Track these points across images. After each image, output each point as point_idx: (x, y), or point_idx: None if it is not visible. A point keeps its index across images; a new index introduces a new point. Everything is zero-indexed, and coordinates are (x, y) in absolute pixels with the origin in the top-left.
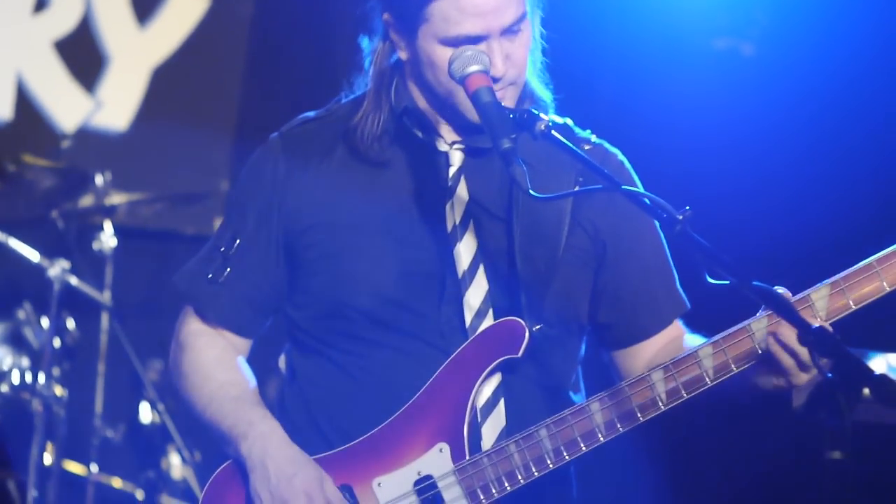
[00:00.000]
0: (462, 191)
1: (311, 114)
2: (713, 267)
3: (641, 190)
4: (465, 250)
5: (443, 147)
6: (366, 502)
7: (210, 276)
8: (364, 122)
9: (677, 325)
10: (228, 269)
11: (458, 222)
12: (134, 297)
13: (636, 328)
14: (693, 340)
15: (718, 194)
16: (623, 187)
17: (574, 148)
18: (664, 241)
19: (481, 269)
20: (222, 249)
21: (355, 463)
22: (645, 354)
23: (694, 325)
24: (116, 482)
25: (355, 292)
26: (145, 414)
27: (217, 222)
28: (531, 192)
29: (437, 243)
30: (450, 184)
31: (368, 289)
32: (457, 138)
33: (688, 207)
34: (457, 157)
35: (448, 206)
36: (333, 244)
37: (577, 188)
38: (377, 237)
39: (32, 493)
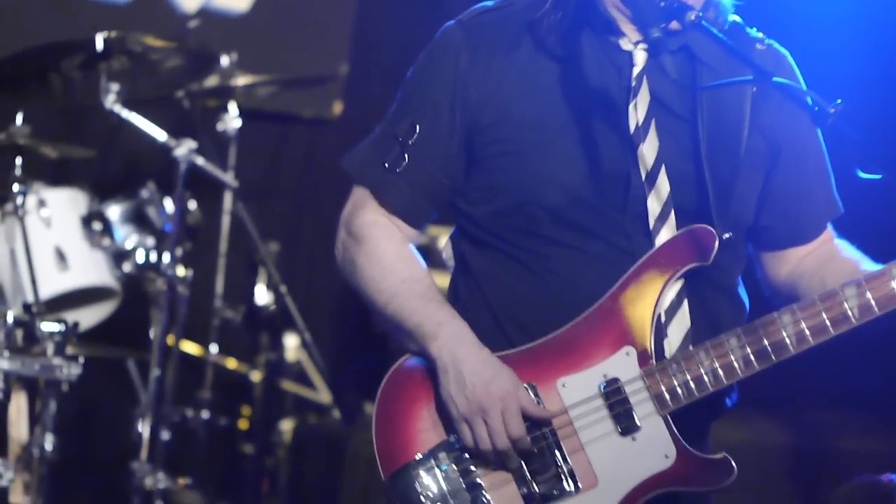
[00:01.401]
0: (645, 91)
1: (489, 3)
2: (865, 160)
3: (797, 85)
4: (649, 151)
5: (626, 46)
6: (550, 402)
7: (387, 164)
8: (549, 16)
9: (828, 228)
10: (407, 158)
11: (640, 123)
12: (254, 178)
13: (795, 231)
14: (842, 244)
15: None
16: (775, 79)
17: (722, 37)
18: (823, 144)
19: (663, 171)
20: (400, 138)
21: (539, 362)
22: (798, 256)
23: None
24: (233, 363)
25: (542, 191)
26: (264, 296)
27: (336, 106)
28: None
29: (621, 144)
30: (633, 84)
31: (556, 188)
32: (640, 38)
33: (839, 101)
34: (640, 57)
35: (631, 107)
36: (518, 142)
37: (754, 89)
38: (562, 135)
39: (154, 372)
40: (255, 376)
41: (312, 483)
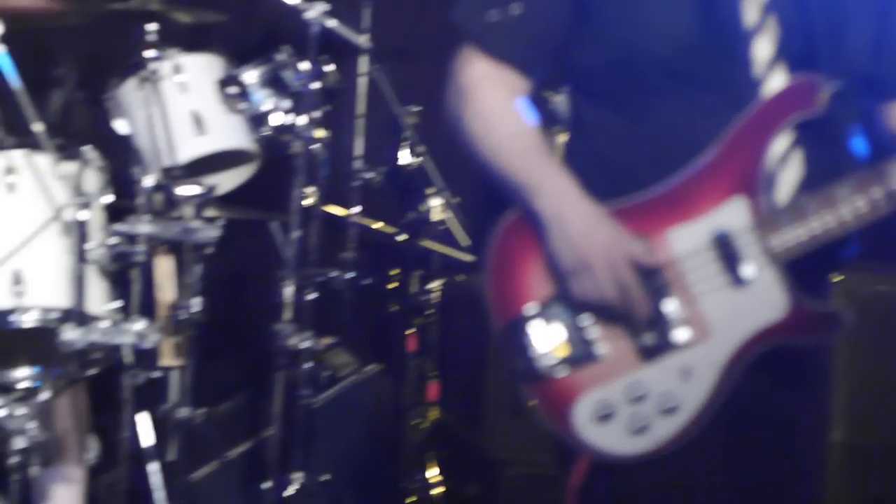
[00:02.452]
0: None
1: None
2: None
3: None
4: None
5: None
6: (659, 254)
7: (494, 12)
8: None
9: None
10: (515, 5)
11: None
12: (392, 41)
13: None
14: None
15: None
16: None
17: None
18: None
19: (773, 18)
20: None
21: (648, 214)
22: None
23: None
24: (376, 224)
25: (651, 40)
26: (405, 157)
27: None
28: None
29: None
30: None
31: (664, 37)
32: None
33: None
34: None
35: None
36: None
37: None
38: None
39: (295, 233)
40: (400, 236)
41: (460, 342)
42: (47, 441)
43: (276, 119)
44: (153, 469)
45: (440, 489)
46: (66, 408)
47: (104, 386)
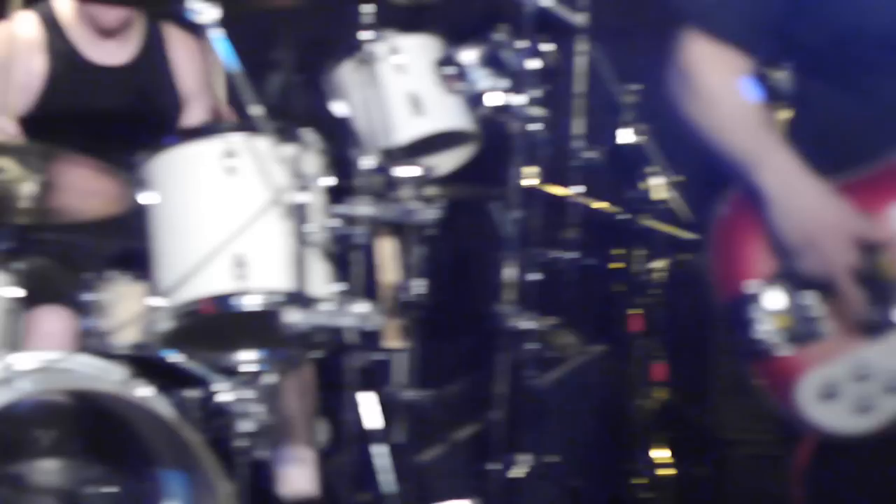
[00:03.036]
0: None
1: None
2: None
3: None
4: None
5: None
6: (880, 230)
7: None
8: None
9: None
10: None
11: None
12: (610, 19)
13: None
14: None
15: None
16: None
17: None
18: None
19: None
20: None
21: (870, 190)
22: None
23: None
24: (598, 203)
25: (875, 16)
26: (625, 135)
27: None
28: None
29: None
30: None
31: (889, 12)
32: None
33: None
34: None
35: None
36: None
37: None
38: None
39: (516, 214)
40: (622, 215)
41: (685, 321)
42: (274, 424)
43: (494, 99)
44: (380, 451)
45: (668, 470)
46: (292, 390)
47: (331, 368)
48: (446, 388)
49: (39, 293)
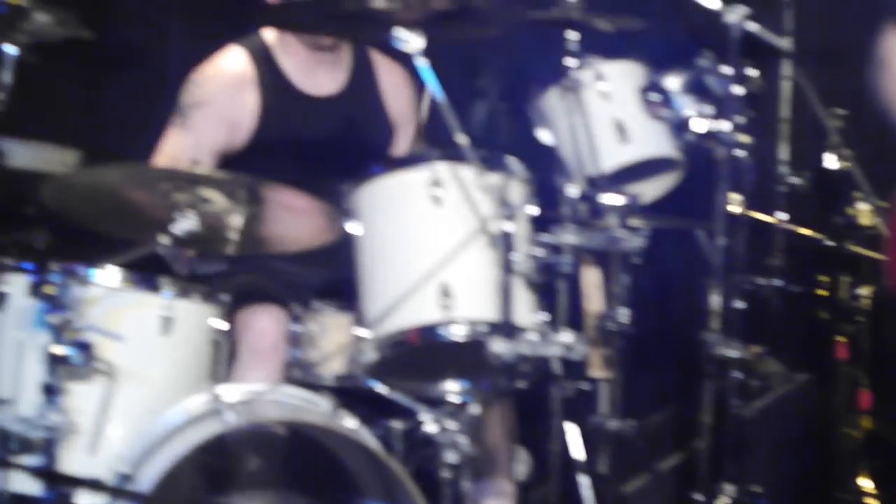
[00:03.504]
0: None
1: None
2: None
3: None
4: None
5: None
6: None
7: None
8: None
9: None
10: None
11: None
12: (815, 43)
13: None
14: None
15: None
16: None
17: None
18: None
19: None
20: None
21: None
22: None
23: None
24: (802, 229)
25: None
26: (831, 161)
27: None
28: None
29: None
30: None
31: None
32: None
33: None
34: None
35: None
36: None
37: None
38: None
39: (721, 240)
40: (828, 241)
41: (891, 349)
42: (478, 455)
43: (699, 125)
44: (584, 481)
45: (873, 500)
46: (495, 421)
47: (530, 398)
48: (650, 417)
49: (251, 296)
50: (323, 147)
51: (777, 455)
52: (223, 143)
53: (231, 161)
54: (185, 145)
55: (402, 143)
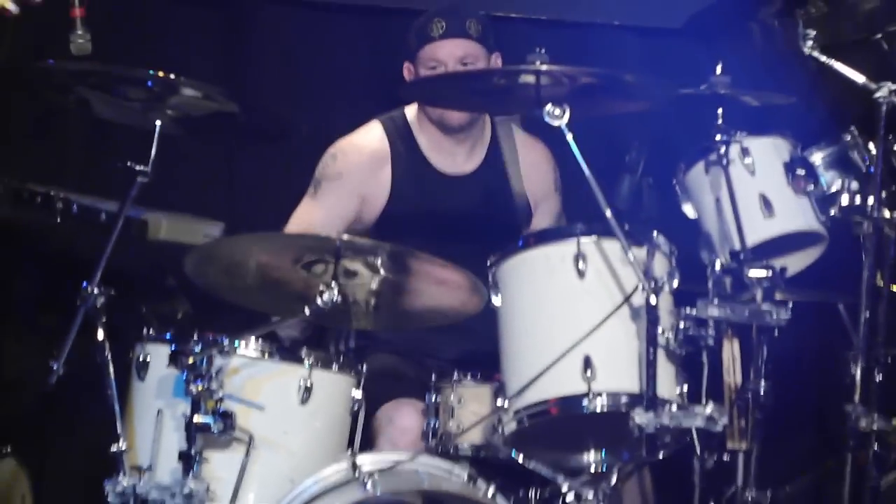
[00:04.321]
0: None
1: None
2: None
3: None
4: None
5: None
6: None
7: None
8: None
9: None
10: None
11: None
12: None
13: None
14: None
15: None
16: None
17: None
18: None
19: None
20: None
21: None
22: None
23: None
24: None
25: None
26: None
27: None
28: None
29: None
30: None
31: None
32: None
33: None
34: None
35: None
36: None
37: None
38: None
39: (864, 314)
40: None
41: None
42: None
43: (844, 200)
44: None
45: None
46: (632, 491)
47: (669, 470)
48: (787, 488)
49: (389, 387)
50: (455, 223)
51: None
52: (353, 216)
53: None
54: (315, 216)
55: (544, 219)
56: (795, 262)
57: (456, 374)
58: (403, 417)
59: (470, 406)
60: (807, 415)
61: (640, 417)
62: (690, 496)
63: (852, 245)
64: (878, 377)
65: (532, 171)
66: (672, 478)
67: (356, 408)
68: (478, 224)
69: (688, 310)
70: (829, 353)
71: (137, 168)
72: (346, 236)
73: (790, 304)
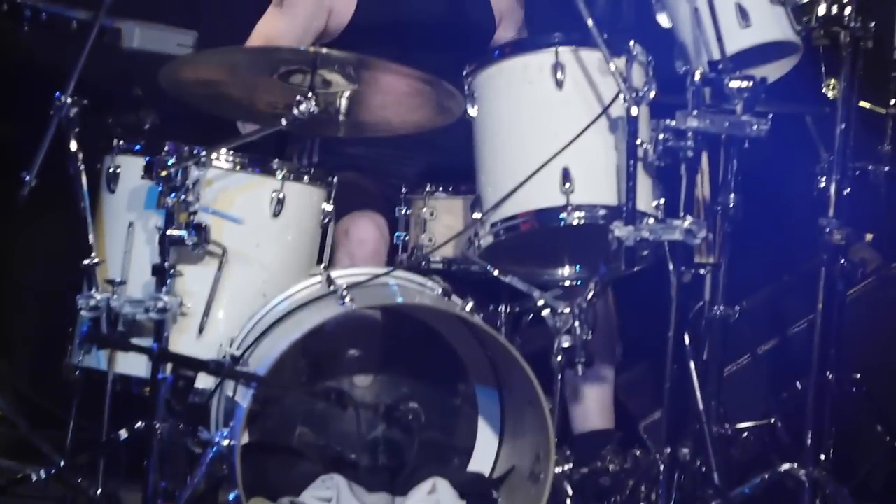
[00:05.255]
0: None
1: None
2: None
3: None
4: None
5: None
6: None
7: None
8: None
9: None
10: None
11: None
12: None
13: None
14: None
15: None
16: None
17: None
18: None
19: None
20: None
21: None
22: None
23: None
24: None
25: None
26: None
27: None
28: None
29: None
30: None
31: None
32: None
33: None
34: None
35: None
36: None
37: None
38: None
39: (840, 126)
40: None
41: None
42: (589, 341)
43: (821, 10)
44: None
45: None
46: (601, 307)
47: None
48: (751, 302)
49: (350, 202)
50: (422, 33)
51: (874, 343)
52: (320, 26)
53: (327, 47)
54: (281, 27)
55: (507, 32)
56: (768, 73)
57: (428, 185)
58: (360, 229)
59: (443, 219)
60: (772, 228)
61: (620, 230)
62: (657, 312)
63: (815, 57)
64: (846, 191)
65: None
66: (637, 295)
67: (326, 220)
68: (446, 35)
69: (667, 121)
70: (801, 167)
71: None
72: (324, 50)
73: (770, 115)
